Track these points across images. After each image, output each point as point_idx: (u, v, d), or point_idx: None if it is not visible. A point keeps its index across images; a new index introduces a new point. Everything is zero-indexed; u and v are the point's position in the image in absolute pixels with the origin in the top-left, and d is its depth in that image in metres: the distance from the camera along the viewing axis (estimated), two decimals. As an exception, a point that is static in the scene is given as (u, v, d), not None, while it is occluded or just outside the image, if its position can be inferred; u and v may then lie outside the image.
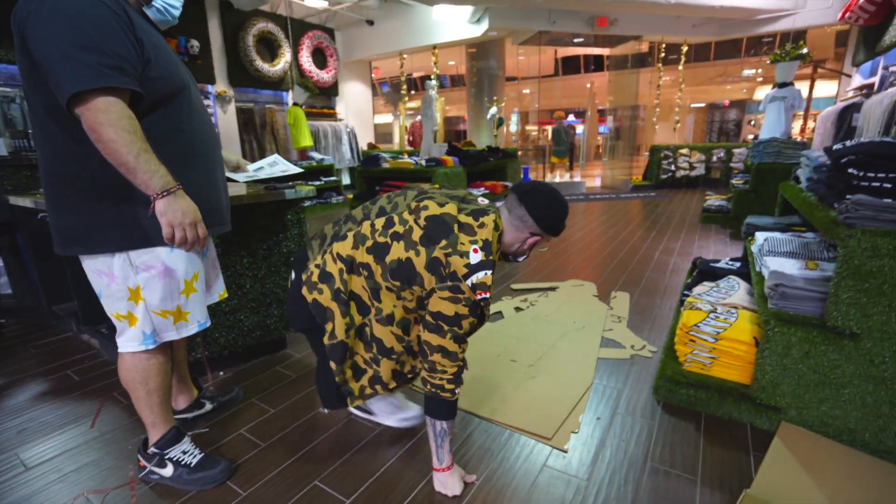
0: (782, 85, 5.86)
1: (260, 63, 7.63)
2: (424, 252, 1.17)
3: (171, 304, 1.28)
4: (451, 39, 8.35)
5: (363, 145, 10.09)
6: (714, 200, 5.70)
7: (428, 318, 1.21)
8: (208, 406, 1.73)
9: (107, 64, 1.00)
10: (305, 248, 1.42)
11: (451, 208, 1.22)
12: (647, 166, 8.94)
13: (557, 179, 11.14)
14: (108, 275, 1.22)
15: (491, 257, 1.17)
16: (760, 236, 2.20)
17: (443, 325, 1.18)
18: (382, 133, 18.35)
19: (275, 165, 1.88)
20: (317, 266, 1.31)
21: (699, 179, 8.76)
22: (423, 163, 4.16)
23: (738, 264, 2.33)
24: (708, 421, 1.64)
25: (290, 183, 2.01)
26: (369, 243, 1.25)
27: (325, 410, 1.50)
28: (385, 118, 18.50)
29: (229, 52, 7.40)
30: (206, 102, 7.11)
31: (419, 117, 7.01)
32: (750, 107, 18.56)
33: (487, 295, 1.16)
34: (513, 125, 10.76)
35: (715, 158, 8.65)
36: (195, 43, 6.72)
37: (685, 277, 3.17)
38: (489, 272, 1.16)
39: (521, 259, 1.38)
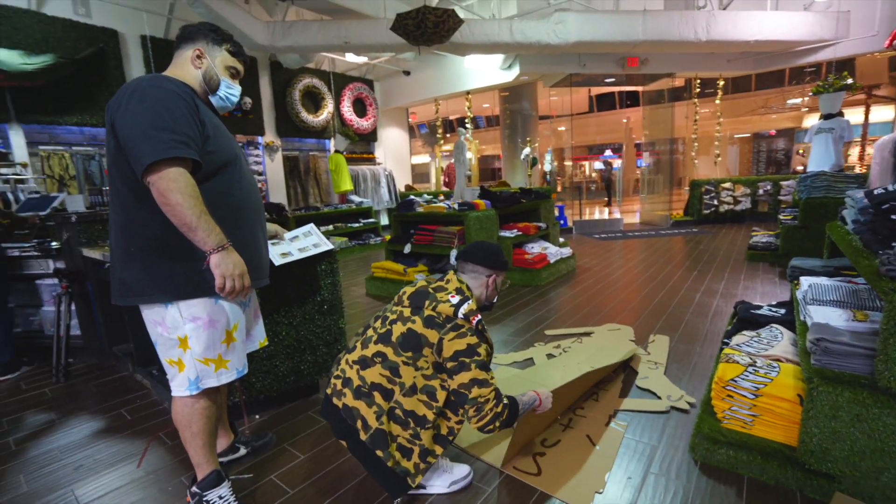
0: (828, 116, 5.64)
1: (305, 114, 8.21)
2: (419, 318, 1.45)
3: (213, 353, 1.41)
4: (484, 85, 8.68)
5: (401, 187, 10.46)
6: (761, 236, 5.45)
7: (449, 365, 1.41)
8: (242, 451, 1.80)
9: (176, 140, 1.21)
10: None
11: (421, 284, 1.57)
12: (688, 201, 8.70)
13: (597, 216, 11.01)
14: (161, 324, 1.38)
15: (467, 296, 1.48)
16: (805, 281, 2.10)
17: (464, 359, 1.39)
18: (420, 173, 18.94)
19: (308, 236, 2.01)
20: (336, 377, 1.54)
21: (745, 214, 8.41)
22: (456, 206, 4.27)
23: (782, 311, 2.22)
24: (751, 486, 1.53)
25: (323, 238, 2.14)
26: (375, 338, 1.50)
27: (397, 501, 1.53)
28: (423, 158, 19.11)
29: (278, 105, 8.02)
30: (255, 152, 7.68)
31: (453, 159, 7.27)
32: (798, 135, 17.82)
33: (479, 317, 1.45)
34: (546, 164, 10.84)
35: (761, 191, 8.31)
36: (248, 100, 7.35)
37: (727, 322, 3.03)
38: (470, 301, 1.46)
39: (494, 301, 1.68)
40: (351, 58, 8.65)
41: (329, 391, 1.54)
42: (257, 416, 2.13)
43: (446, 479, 1.57)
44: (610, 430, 1.86)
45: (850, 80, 5.35)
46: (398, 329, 1.46)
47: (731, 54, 7.95)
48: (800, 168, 10.26)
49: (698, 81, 8.94)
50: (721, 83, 9.02)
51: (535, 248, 4.72)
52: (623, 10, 6.77)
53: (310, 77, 8.32)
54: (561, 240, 5.58)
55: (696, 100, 9.01)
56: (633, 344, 2.73)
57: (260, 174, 7.84)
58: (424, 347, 1.42)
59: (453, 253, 3.98)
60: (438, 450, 1.46)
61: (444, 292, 1.48)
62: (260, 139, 7.85)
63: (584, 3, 7.01)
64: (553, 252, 4.76)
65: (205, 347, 1.39)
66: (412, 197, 4.81)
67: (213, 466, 1.49)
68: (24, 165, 5.19)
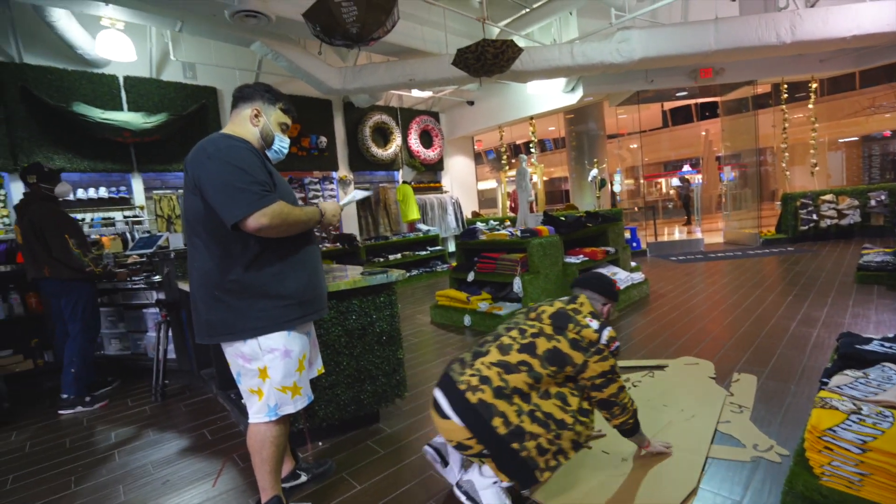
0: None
1: (374, 149, 8.69)
2: (563, 339, 1.61)
3: (289, 381, 1.55)
4: (547, 109, 8.63)
5: (468, 213, 10.61)
6: (875, 254, 4.75)
7: (596, 382, 1.61)
8: (303, 478, 1.88)
9: (264, 190, 1.42)
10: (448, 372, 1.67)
11: (559, 305, 1.73)
12: (781, 217, 7.85)
13: (677, 236, 10.30)
14: (242, 357, 1.53)
15: (603, 322, 1.66)
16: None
17: (611, 377, 1.62)
18: (489, 198, 19.06)
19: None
20: (472, 375, 1.58)
21: (854, 228, 7.40)
22: (519, 233, 4.23)
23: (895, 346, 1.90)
24: (860, 557, 1.30)
25: (385, 270, 2.22)
26: (517, 347, 1.62)
27: (525, 492, 1.69)
28: (491, 184, 19.26)
29: (350, 142, 8.59)
30: (330, 186, 8.23)
31: (517, 185, 7.23)
32: (922, 135, 15.48)
33: (618, 343, 1.65)
34: (616, 185, 10.42)
35: (874, 202, 7.29)
36: (323, 139, 7.95)
37: (830, 357, 2.65)
38: (610, 329, 1.64)
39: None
40: (417, 93, 9.07)
41: (462, 387, 1.55)
42: (320, 443, 2.22)
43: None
44: (682, 477, 1.69)
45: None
46: (543, 344, 1.61)
47: (824, 53, 7.20)
48: (924, 174, 8.85)
49: (785, 87, 8.17)
50: (814, 85, 8.17)
51: (602, 274, 4.52)
52: (692, 20, 6.45)
53: (379, 114, 8.83)
54: (633, 264, 5.29)
55: (784, 105, 8.22)
56: (713, 382, 2.48)
57: (334, 207, 8.37)
58: (567, 366, 1.59)
59: (517, 281, 3.92)
60: (571, 454, 1.58)
61: (581, 316, 1.67)
62: (334, 174, 8.42)
63: (650, 19, 6.79)
64: (623, 278, 4.51)
65: (283, 376, 1.53)
66: (476, 225, 4.85)
67: (276, 492, 1.57)
68: (142, 208, 6.02)
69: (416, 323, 4.55)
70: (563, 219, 4.75)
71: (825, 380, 1.96)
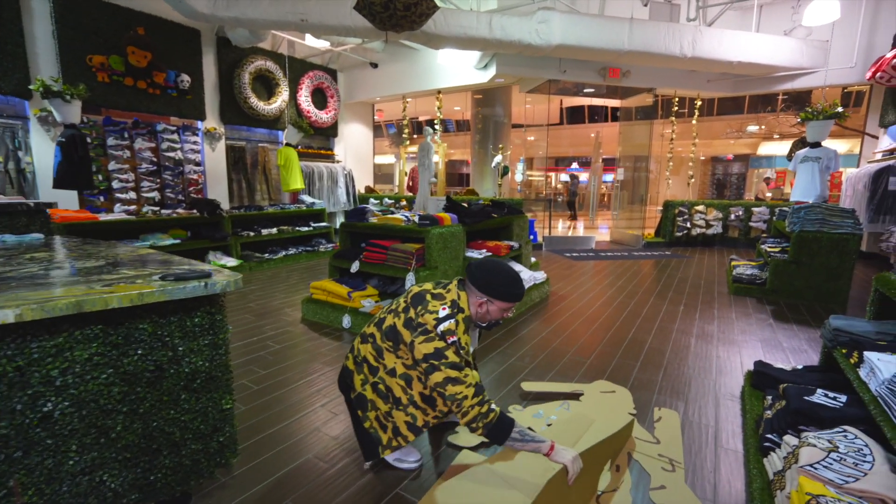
0: (814, 145, 5.37)
1: (255, 101, 7.26)
2: (403, 316, 1.60)
3: None
4: (457, 84, 8.04)
5: (361, 188, 9.64)
6: (744, 267, 5.07)
7: (422, 366, 1.52)
8: None
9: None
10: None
11: (427, 286, 1.67)
12: (661, 222, 8.39)
13: (570, 234, 10.59)
14: None
15: (458, 312, 1.56)
16: (876, 360, 1.54)
17: (433, 361, 1.49)
18: (386, 173, 18.10)
19: None
20: (353, 343, 1.77)
21: (715, 238, 8.19)
22: (416, 220, 3.55)
23: (842, 399, 1.64)
24: None
25: (205, 274, 1.37)
26: (376, 320, 1.70)
27: (367, 464, 1.73)
28: (389, 159, 18.32)
29: (223, 88, 7.03)
30: (192, 139, 6.66)
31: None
32: (752, 161, 18.40)
33: (456, 339, 1.52)
34: (518, 174, 10.32)
35: (733, 217, 8.11)
36: (186, 78, 6.34)
37: (742, 383, 2.48)
38: (452, 320, 1.53)
39: (486, 324, 1.67)
40: (312, 42, 7.78)
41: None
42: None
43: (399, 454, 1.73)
44: None
45: (840, 109, 5.08)
46: (389, 320, 1.63)
47: (712, 74, 7.70)
48: (768, 195, 10.23)
49: (676, 100, 8.68)
50: (699, 103, 8.80)
51: (506, 272, 4.09)
52: (609, 15, 6.31)
53: (263, 59, 7.37)
54: (532, 260, 4.99)
55: (673, 118, 8.74)
56: (632, 418, 2.10)
57: (197, 164, 6.81)
58: (401, 344, 1.58)
59: (410, 277, 3.26)
60: (410, 437, 1.63)
61: (439, 301, 1.57)
62: (199, 124, 6.83)
63: (569, 6, 6.52)
64: (527, 278, 4.14)
65: None
66: (366, 205, 4.05)
67: None
68: None
69: (282, 321, 3.65)
70: (466, 206, 4.20)
71: (770, 436, 1.64)
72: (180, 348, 1.35)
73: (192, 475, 1.46)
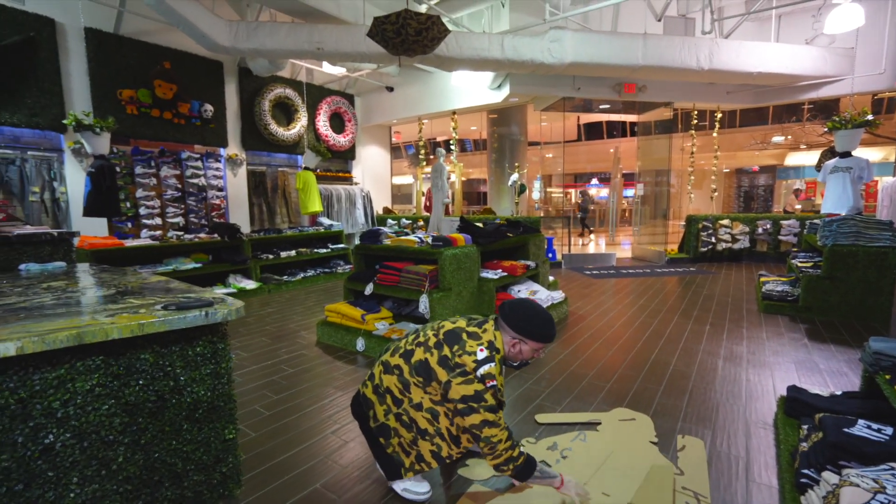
0: (843, 154, 5.16)
1: (274, 127, 7.47)
2: (437, 354, 1.58)
3: None
4: (471, 105, 8.11)
5: (378, 209, 9.73)
6: (774, 283, 4.84)
7: (458, 406, 1.52)
8: None
9: None
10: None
11: (461, 324, 1.65)
12: (684, 237, 8.16)
13: (591, 250, 10.41)
14: None
15: (496, 354, 1.57)
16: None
17: (472, 404, 1.50)
18: (404, 194, 18.29)
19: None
20: (372, 370, 1.76)
21: (742, 253, 7.90)
22: (430, 241, 3.54)
23: (888, 431, 1.51)
24: None
25: (207, 303, 1.36)
26: (402, 350, 1.68)
27: (396, 490, 1.71)
28: (407, 179, 18.53)
29: (244, 116, 7.27)
30: (215, 165, 6.87)
31: (435, 183, 6.56)
32: (780, 172, 17.85)
33: (494, 382, 1.53)
34: (535, 192, 10.27)
35: (760, 230, 7.83)
36: (209, 108, 6.59)
37: (775, 409, 2.32)
38: (492, 364, 1.54)
39: (517, 364, 1.68)
40: (329, 69, 8.01)
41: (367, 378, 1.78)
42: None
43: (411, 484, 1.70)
44: None
45: (870, 116, 4.88)
46: (419, 354, 1.61)
47: (731, 86, 7.56)
48: (797, 207, 9.87)
49: (695, 113, 8.53)
50: (719, 115, 8.63)
51: (522, 293, 4.01)
52: (622, 31, 6.30)
53: (282, 87, 7.62)
54: (551, 278, 4.89)
55: (693, 131, 8.58)
56: (656, 449, 1.99)
57: (220, 189, 7.02)
58: (433, 381, 1.57)
59: (423, 299, 3.22)
60: (434, 464, 1.64)
61: (475, 341, 1.57)
62: (222, 151, 7.06)
63: (582, 23, 6.54)
64: (543, 297, 4.04)
65: None
66: (379, 227, 4.06)
67: None
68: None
69: (297, 344, 3.65)
70: (481, 226, 4.16)
71: (807, 471, 1.51)
72: (182, 378, 1.34)
73: (197, 507, 1.43)
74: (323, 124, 8.32)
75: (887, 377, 1.68)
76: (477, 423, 1.48)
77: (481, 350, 1.54)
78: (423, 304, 3.22)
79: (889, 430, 1.51)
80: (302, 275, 6.36)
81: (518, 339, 1.61)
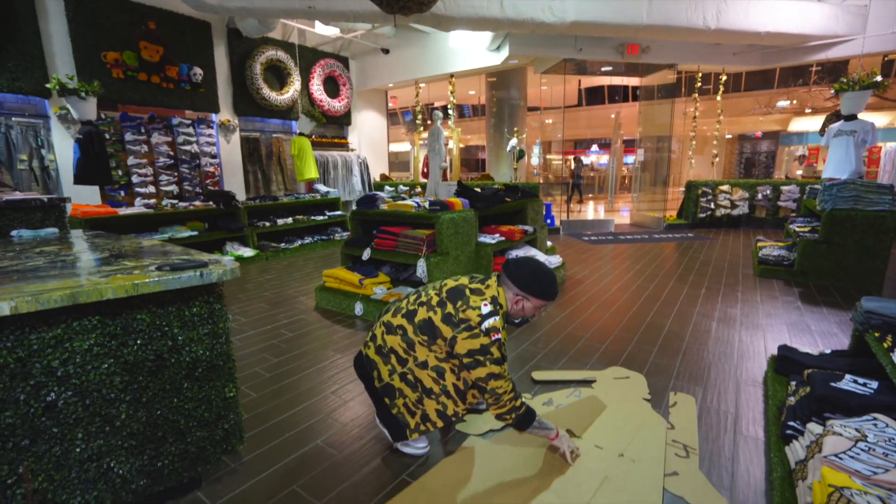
0: (849, 118, 5.06)
1: (267, 91, 7.26)
2: (441, 311, 1.59)
3: None
4: (470, 67, 7.87)
5: (376, 176, 9.62)
6: (771, 248, 4.86)
7: (465, 360, 1.55)
8: None
9: None
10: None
11: (463, 281, 1.67)
12: (683, 203, 8.12)
13: (590, 216, 10.37)
14: None
15: (499, 308, 1.58)
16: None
17: (478, 357, 1.53)
18: (403, 161, 18.05)
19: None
20: (372, 331, 1.77)
21: (741, 219, 7.88)
22: (427, 206, 3.51)
23: (873, 385, 1.54)
24: None
25: (202, 263, 1.36)
26: (404, 311, 1.68)
27: (396, 445, 1.76)
28: (405, 146, 18.24)
29: (235, 80, 7.06)
30: (207, 132, 6.72)
31: (432, 149, 6.45)
32: (783, 138, 17.59)
33: (499, 336, 1.55)
34: (534, 158, 10.13)
35: (760, 196, 7.79)
36: (198, 71, 6.38)
37: (765, 368, 2.37)
38: (496, 318, 1.55)
39: (519, 321, 1.70)
40: (322, 29, 7.73)
41: (366, 339, 1.79)
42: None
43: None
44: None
45: (878, 78, 4.76)
46: (422, 313, 1.62)
47: (737, 47, 7.33)
48: (798, 173, 9.78)
49: (699, 76, 8.31)
50: (724, 78, 8.41)
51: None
52: (626, -12, 6.04)
53: (274, 49, 7.35)
54: (549, 244, 4.89)
55: (696, 95, 8.39)
56: (649, 405, 2.04)
57: (213, 157, 6.90)
58: (438, 339, 1.58)
59: (421, 263, 3.23)
60: (439, 423, 1.66)
61: (479, 297, 1.58)
62: (214, 117, 6.89)
63: (584, -21, 6.26)
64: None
65: None
66: (375, 192, 4.02)
67: None
68: None
69: (296, 309, 3.68)
70: (479, 190, 4.12)
71: (792, 423, 1.56)
72: (180, 338, 1.35)
73: (198, 461, 1.48)
74: (317, 88, 8.09)
75: (876, 335, 1.70)
76: (483, 376, 1.51)
77: (485, 305, 1.55)
78: (421, 268, 3.23)
79: (875, 384, 1.54)
80: (299, 242, 6.35)
81: (521, 296, 1.62)
